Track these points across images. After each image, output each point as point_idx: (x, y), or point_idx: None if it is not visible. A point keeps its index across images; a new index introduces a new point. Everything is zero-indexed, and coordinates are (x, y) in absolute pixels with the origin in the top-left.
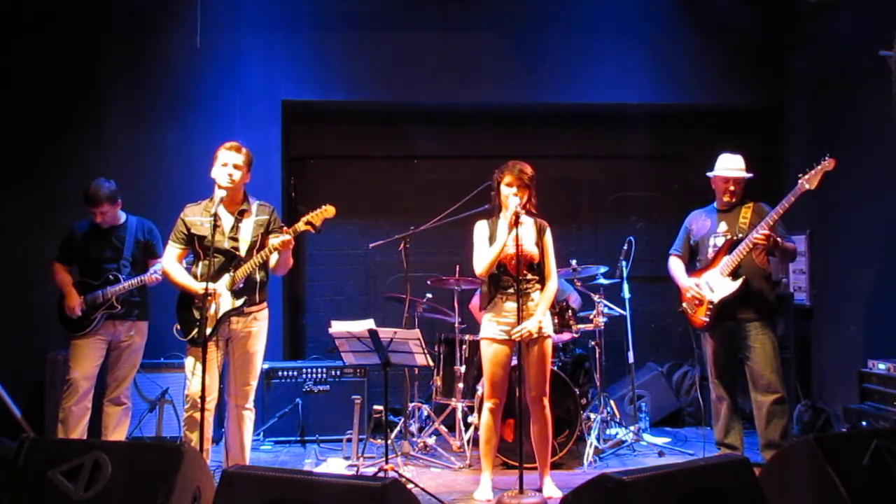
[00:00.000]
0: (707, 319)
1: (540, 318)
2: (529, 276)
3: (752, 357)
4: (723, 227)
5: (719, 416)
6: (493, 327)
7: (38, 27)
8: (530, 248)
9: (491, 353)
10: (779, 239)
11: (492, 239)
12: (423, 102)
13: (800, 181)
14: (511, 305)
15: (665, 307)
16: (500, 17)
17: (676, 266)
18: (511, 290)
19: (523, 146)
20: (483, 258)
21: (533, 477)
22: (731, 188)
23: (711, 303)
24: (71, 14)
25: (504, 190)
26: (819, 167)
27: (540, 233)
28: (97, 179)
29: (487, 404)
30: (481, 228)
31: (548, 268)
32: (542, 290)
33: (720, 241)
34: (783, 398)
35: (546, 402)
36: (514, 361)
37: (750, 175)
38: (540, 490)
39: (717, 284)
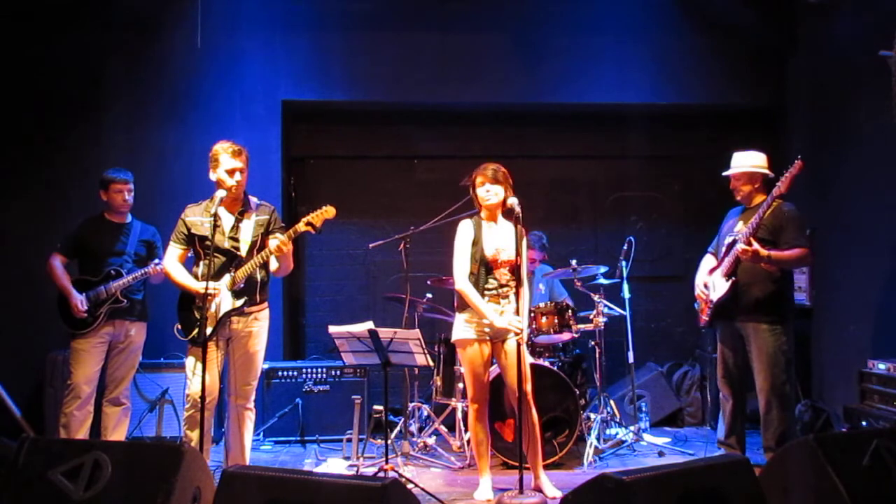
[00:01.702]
0: (706, 319)
1: (521, 318)
2: (509, 277)
3: (752, 359)
4: (739, 226)
5: (724, 416)
6: (471, 328)
7: (39, 27)
8: (512, 251)
9: (471, 355)
10: (762, 252)
11: (477, 241)
12: (423, 102)
13: (775, 188)
14: (494, 307)
15: (665, 307)
16: (499, 17)
17: (703, 263)
18: (495, 292)
19: (523, 146)
20: (465, 288)
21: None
22: (732, 185)
23: (711, 302)
24: (71, 14)
25: (479, 191)
26: (788, 172)
27: (519, 238)
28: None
29: (472, 408)
30: (465, 229)
31: (522, 273)
32: (518, 293)
33: (730, 241)
34: (778, 404)
35: (531, 399)
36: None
37: (753, 170)
38: (535, 489)
39: (717, 285)
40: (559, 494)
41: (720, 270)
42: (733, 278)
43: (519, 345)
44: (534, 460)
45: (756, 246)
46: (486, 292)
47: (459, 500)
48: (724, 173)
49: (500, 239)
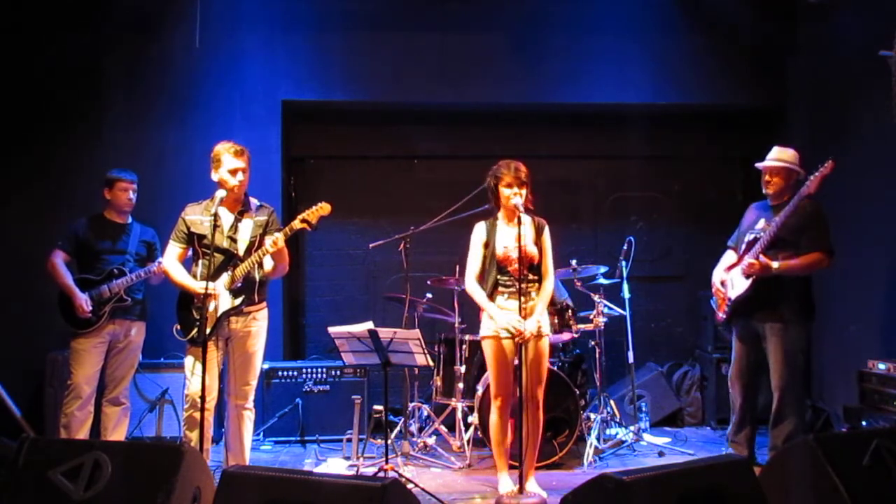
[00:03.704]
0: (723, 316)
1: (538, 318)
2: (530, 276)
3: (768, 358)
4: (761, 223)
5: (734, 413)
6: (494, 325)
7: (38, 26)
8: (530, 248)
9: (493, 351)
10: (769, 265)
11: (489, 244)
12: (423, 102)
13: (803, 187)
14: (512, 304)
15: (665, 307)
16: (499, 17)
17: (723, 258)
18: (513, 289)
19: (523, 146)
20: (472, 288)
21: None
22: (766, 178)
23: (729, 300)
24: (71, 14)
25: (505, 191)
26: (818, 172)
27: (538, 231)
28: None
29: (495, 404)
30: (478, 232)
31: (545, 266)
32: (539, 288)
33: (751, 238)
34: (791, 405)
35: (540, 402)
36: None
37: (791, 166)
38: (520, 489)
39: (736, 282)
40: (544, 494)
41: (740, 268)
42: (753, 278)
43: (541, 348)
44: (529, 461)
45: (764, 260)
46: (504, 290)
47: (459, 500)
48: (759, 165)
49: (514, 237)
